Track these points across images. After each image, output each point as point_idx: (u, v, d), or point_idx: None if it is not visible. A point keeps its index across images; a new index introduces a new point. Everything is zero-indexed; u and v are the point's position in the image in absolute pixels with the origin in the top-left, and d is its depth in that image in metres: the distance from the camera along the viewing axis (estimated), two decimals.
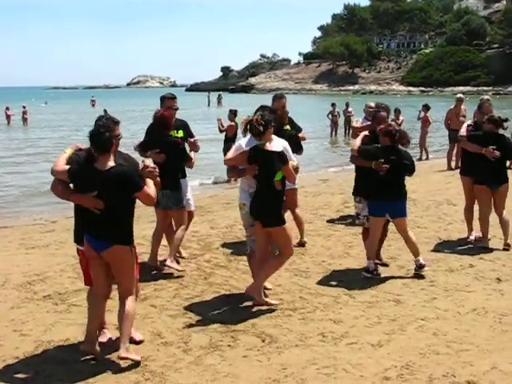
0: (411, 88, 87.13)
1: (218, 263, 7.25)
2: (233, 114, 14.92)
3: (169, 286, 6.40)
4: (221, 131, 15.10)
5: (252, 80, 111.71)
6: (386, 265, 6.98)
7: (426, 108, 18.25)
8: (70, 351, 4.82)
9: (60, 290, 6.30)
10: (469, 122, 8.63)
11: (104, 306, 4.79)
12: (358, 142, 6.76)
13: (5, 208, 12.27)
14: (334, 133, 26.90)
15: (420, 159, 17.49)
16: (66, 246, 8.08)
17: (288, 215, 6.87)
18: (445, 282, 6.47)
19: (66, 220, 10.19)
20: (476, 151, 7.60)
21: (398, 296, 6.03)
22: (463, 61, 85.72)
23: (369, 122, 8.74)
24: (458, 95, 16.26)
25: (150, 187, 4.63)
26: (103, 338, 4.91)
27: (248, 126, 5.61)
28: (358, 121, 9.79)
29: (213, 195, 12.53)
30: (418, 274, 6.60)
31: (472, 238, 8.08)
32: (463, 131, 7.97)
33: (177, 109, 7.08)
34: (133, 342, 4.81)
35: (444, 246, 7.89)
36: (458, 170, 13.24)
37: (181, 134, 7.02)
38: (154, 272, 6.82)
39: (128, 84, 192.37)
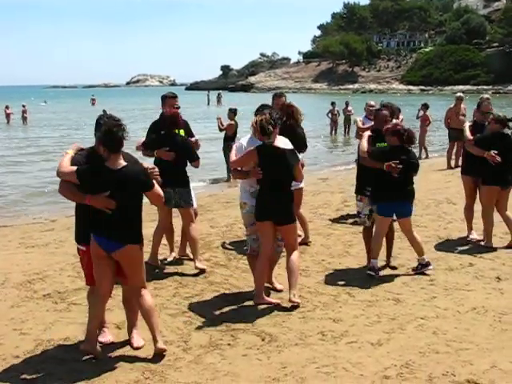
0: (411, 87, 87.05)
1: (217, 262, 7.25)
2: (232, 112, 14.92)
3: (168, 285, 6.40)
4: (220, 130, 15.10)
5: (252, 79, 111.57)
6: (395, 267, 6.93)
7: (425, 107, 18.28)
8: (70, 350, 4.82)
9: (60, 289, 6.30)
10: (469, 122, 8.62)
11: (105, 305, 4.80)
12: (365, 143, 6.64)
13: (4, 207, 12.26)
14: (333, 132, 26.90)
15: (419, 158, 17.47)
16: (65, 245, 8.09)
17: None
18: (444, 280, 6.47)
19: (66, 219, 10.20)
20: (478, 154, 7.61)
21: (398, 295, 6.03)
22: (463, 60, 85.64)
23: (371, 122, 8.78)
24: (458, 94, 16.26)
25: (158, 186, 4.70)
26: (103, 338, 4.91)
27: (259, 126, 5.55)
28: (360, 121, 9.78)
29: (212, 194, 12.54)
30: (422, 273, 6.60)
31: (472, 237, 8.08)
32: (469, 134, 7.81)
33: (178, 107, 7.08)
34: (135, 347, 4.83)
35: (444, 245, 7.89)
36: (458, 169, 13.26)
37: (182, 133, 7.02)
38: (157, 270, 6.82)
39: (127, 83, 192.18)
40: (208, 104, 57.28)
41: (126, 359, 4.64)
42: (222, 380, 4.33)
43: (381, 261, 7.03)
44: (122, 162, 4.52)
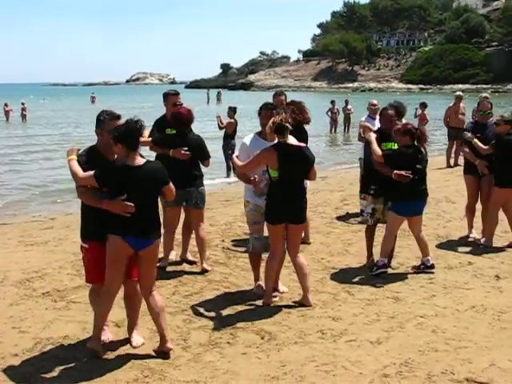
0: (410, 85, 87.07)
1: (217, 260, 7.25)
2: (232, 111, 14.93)
3: (168, 283, 6.39)
4: (220, 128, 15.11)
5: (251, 77, 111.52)
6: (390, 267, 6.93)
7: (424, 106, 18.30)
8: (69, 348, 4.82)
9: (59, 287, 6.29)
10: (470, 122, 8.60)
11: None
12: (376, 147, 6.54)
13: (4, 205, 12.25)
14: (333, 130, 26.92)
15: None
16: (64, 243, 8.09)
17: None
18: (444, 279, 6.47)
19: (65, 217, 10.22)
20: (470, 159, 7.78)
21: (397, 293, 6.04)
22: (462, 59, 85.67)
23: (374, 121, 8.80)
24: (457, 93, 16.26)
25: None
26: (103, 336, 4.89)
27: (277, 127, 5.42)
28: (364, 123, 9.60)
29: (212, 192, 12.51)
30: (424, 272, 6.61)
31: (473, 236, 8.08)
32: (482, 145, 7.60)
33: (181, 104, 7.05)
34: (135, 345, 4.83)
35: (443, 244, 7.89)
36: (457, 168, 13.26)
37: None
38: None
39: (127, 81, 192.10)
40: (208, 102, 57.23)
41: (125, 357, 4.64)
42: (222, 378, 4.33)
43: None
44: (142, 159, 4.55)
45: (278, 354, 4.70)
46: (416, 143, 6.48)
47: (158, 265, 6.73)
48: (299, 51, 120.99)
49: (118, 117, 4.69)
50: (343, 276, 6.61)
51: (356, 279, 6.48)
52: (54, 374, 4.42)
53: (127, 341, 4.88)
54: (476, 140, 7.71)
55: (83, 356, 4.66)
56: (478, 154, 7.73)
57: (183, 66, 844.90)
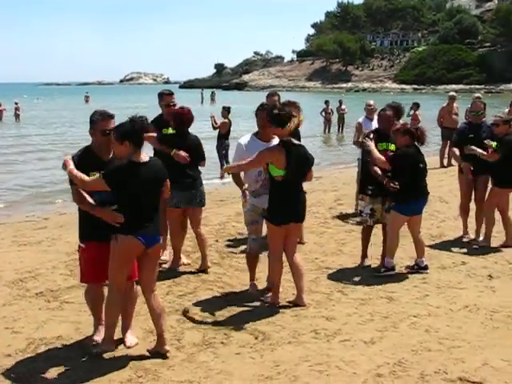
0: (404, 86, 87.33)
1: (211, 260, 7.22)
2: (226, 110, 14.93)
3: (162, 283, 6.37)
4: (214, 128, 15.10)
5: (245, 77, 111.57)
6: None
7: (416, 106, 18.36)
8: (63, 349, 4.81)
9: (52, 287, 6.28)
10: (463, 123, 8.60)
11: None
12: (378, 155, 6.49)
13: None
14: (327, 130, 26.95)
15: None
16: (58, 243, 8.07)
17: None
18: (437, 279, 6.49)
19: (59, 217, 10.19)
20: (456, 161, 7.96)
21: (391, 293, 6.05)
22: (456, 59, 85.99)
23: (371, 122, 8.83)
24: (451, 93, 16.34)
25: None
26: (98, 336, 4.88)
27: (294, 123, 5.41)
28: (359, 125, 9.51)
29: (206, 192, 12.47)
30: (417, 272, 6.63)
31: (468, 236, 8.10)
32: (488, 154, 7.51)
33: (174, 105, 7.04)
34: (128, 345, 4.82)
35: (436, 243, 7.92)
36: (451, 168, 13.28)
37: (170, 130, 6.95)
38: None
39: (121, 81, 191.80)
40: (202, 102, 57.16)
41: (119, 358, 4.63)
42: (215, 378, 4.33)
43: (375, 259, 7.06)
44: (146, 155, 4.55)
45: (271, 353, 4.70)
46: (416, 143, 6.52)
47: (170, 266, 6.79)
48: (293, 51, 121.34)
49: (111, 116, 4.67)
50: (337, 276, 6.62)
51: (350, 279, 6.50)
52: (48, 374, 4.41)
53: (121, 341, 4.86)
54: (480, 151, 7.53)
55: (77, 356, 4.65)
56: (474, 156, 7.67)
57: (177, 65, 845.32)
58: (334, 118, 26.74)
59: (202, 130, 17.06)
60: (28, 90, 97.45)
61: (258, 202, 5.79)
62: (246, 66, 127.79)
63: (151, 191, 4.52)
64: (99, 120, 4.63)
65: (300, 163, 5.47)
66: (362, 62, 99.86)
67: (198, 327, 5.22)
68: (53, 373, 4.42)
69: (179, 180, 6.40)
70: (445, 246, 7.82)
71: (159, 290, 6.07)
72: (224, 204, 10.82)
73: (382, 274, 6.56)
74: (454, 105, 15.37)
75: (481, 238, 7.91)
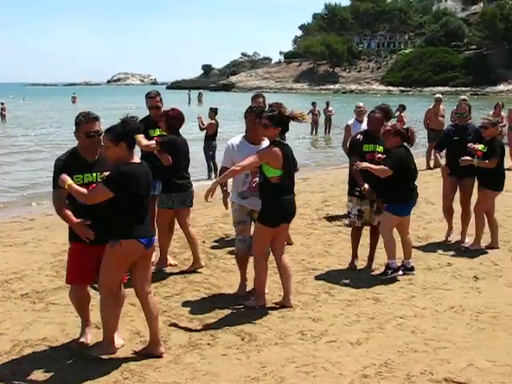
0: (391, 87, 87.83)
1: None
2: (213, 112, 14.90)
3: None
4: (201, 129, 15.07)
5: (233, 78, 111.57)
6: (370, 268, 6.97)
7: (402, 108, 18.46)
8: (48, 351, 4.78)
9: (38, 289, 6.23)
10: (449, 125, 8.67)
11: None
12: (376, 167, 6.43)
13: None
14: (314, 131, 27.00)
15: None
16: (44, 244, 8.01)
17: None
18: (423, 280, 6.53)
19: (45, 218, 10.11)
20: (438, 164, 8.15)
21: (377, 294, 6.07)
22: (442, 61, 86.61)
23: (361, 124, 8.86)
24: (437, 95, 16.42)
25: None
26: (83, 338, 4.86)
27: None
28: (353, 131, 9.41)
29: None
30: (405, 274, 6.65)
31: (452, 236, 8.15)
32: (486, 162, 7.39)
33: (159, 108, 6.99)
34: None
35: (423, 245, 7.96)
36: (437, 170, 13.34)
37: (158, 132, 6.91)
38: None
39: (108, 81, 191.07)
40: (189, 103, 57.07)
41: (104, 359, 4.60)
42: (202, 380, 4.32)
43: (361, 260, 7.08)
44: (136, 156, 4.54)
45: (258, 355, 4.70)
46: (406, 143, 6.56)
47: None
48: (281, 53, 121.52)
49: (96, 118, 4.63)
50: (324, 277, 6.64)
51: (336, 280, 6.51)
52: (33, 376, 4.38)
53: None
54: (477, 160, 7.47)
55: (62, 358, 4.62)
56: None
57: (164, 66, 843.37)
58: (321, 120, 26.81)
59: (191, 131, 17.02)
60: (14, 91, 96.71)
61: (245, 203, 5.80)
62: (234, 67, 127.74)
63: (148, 192, 4.55)
64: (83, 122, 4.59)
65: (291, 163, 5.56)
66: (349, 64, 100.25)
67: (184, 329, 5.20)
68: (38, 375, 4.39)
69: (177, 181, 6.44)
70: (431, 247, 7.87)
71: None
72: (211, 205, 10.75)
73: (388, 276, 6.56)
74: (441, 107, 15.47)
75: (467, 240, 7.96)
